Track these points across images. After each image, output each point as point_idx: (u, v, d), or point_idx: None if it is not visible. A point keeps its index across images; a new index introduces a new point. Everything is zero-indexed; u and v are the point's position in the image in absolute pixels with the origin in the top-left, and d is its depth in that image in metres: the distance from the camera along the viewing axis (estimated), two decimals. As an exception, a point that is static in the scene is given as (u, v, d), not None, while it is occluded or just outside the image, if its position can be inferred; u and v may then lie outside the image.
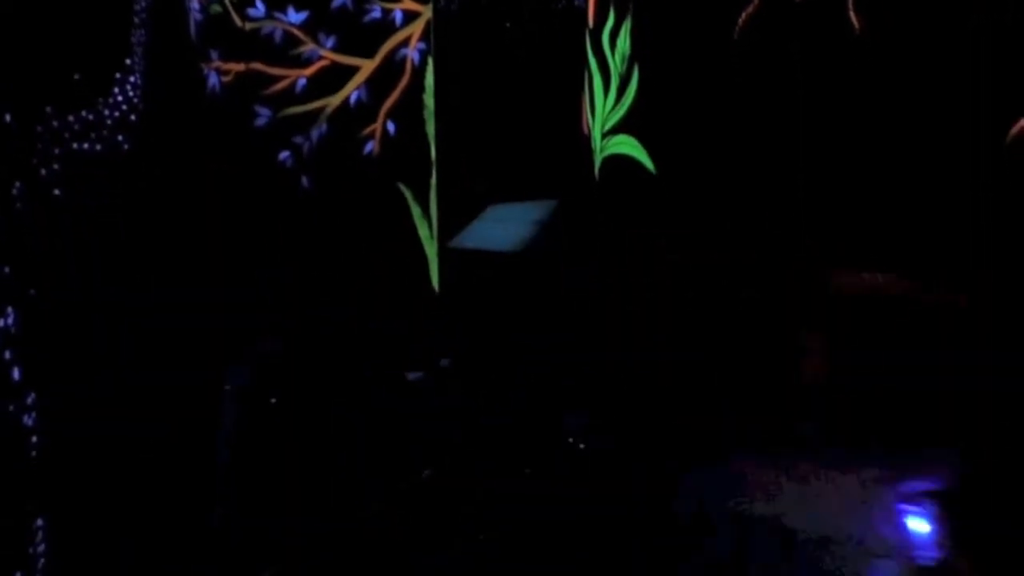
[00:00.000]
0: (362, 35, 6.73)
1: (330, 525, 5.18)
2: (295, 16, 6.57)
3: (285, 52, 6.57)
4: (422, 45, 6.88)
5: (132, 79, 5.53)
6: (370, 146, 6.82)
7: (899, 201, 5.76)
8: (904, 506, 4.74)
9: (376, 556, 5.05)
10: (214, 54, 6.45)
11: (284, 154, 6.65)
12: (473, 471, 5.84)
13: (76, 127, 4.18)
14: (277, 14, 6.55)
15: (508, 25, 7.72)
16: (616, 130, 6.75)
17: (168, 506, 3.08)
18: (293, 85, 6.61)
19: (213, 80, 6.45)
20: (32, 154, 3.94)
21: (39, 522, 2.48)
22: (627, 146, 6.69)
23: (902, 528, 4.76)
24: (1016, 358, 5.33)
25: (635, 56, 6.56)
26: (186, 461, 3.11)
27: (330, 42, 6.66)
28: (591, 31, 6.93)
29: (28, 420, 2.55)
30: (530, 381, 6.62)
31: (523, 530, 5.22)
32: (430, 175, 7.05)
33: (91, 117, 4.55)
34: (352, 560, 4.97)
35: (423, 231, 7.07)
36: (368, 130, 6.81)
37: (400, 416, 6.25)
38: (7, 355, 2.16)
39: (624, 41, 6.64)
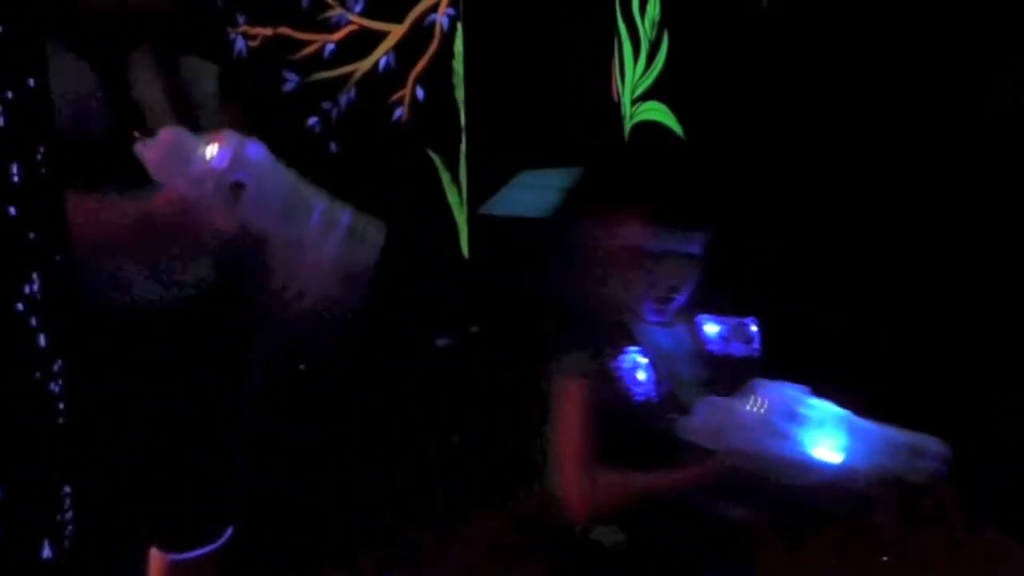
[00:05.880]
0: (390, 0, 6.70)
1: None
2: (323, -20, 6.56)
3: (313, 17, 6.54)
4: (451, 10, 6.84)
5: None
6: (399, 112, 6.79)
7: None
8: None
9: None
10: (241, 18, 6.43)
11: (312, 120, 6.63)
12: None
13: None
14: (304, -22, 6.54)
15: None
16: (646, 96, 6.71)
17: (193, 473, 3.09)
18: (321, 50, 6.58)
19: (240, 45, 6.43)
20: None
21: (67, 489, 2.48)
22: (657, 112, 6.65)
23: None
24: None
25: (665, 22, 6.51)
26: (212, 428, 3.10)
27: (359, 7, 6.63)
28: (621, -4, 6.89)
29: (55, 387, 2.54)
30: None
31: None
32: (460, 141, 7.01)
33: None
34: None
35: (453, 197, 7.05)
36: (397, 96, 6.78)
37: (429, 382, 6.25)
38: (33, 322, 2.15)
39: (654, 7, 6.58)
